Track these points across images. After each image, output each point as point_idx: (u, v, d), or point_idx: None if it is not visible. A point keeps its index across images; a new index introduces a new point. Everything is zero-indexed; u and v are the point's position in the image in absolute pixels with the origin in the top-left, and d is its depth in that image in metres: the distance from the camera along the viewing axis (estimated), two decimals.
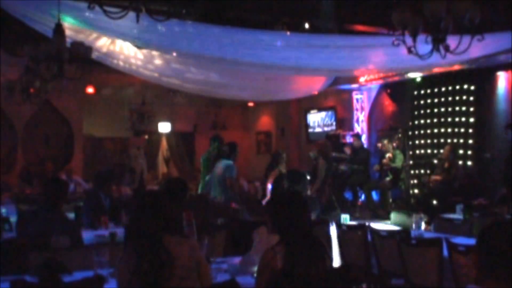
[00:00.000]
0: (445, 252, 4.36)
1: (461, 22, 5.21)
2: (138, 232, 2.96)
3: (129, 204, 6.50)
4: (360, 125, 13.16)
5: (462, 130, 10.35)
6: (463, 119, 10.36)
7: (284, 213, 3.05)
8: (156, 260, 2.84)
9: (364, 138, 12.77)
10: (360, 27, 8.39)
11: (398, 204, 10.66)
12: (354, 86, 12.73)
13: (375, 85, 12.62)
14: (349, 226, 5.74)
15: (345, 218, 5.95)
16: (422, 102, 11.23)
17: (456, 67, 9.56)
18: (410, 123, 11.43)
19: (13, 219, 6.33)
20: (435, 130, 10.89)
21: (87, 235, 5.19)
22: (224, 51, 8.02)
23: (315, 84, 11.69)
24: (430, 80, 10.89)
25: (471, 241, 4.22)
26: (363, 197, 11.55)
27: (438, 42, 5.34)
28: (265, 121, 16.40)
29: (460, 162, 9.83)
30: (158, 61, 9.17)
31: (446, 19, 5.20)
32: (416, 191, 11.02)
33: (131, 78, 11.39)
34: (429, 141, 11.04)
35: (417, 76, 11.03)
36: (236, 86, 10.92)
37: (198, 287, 3.00)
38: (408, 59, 6.18)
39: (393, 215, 9.78)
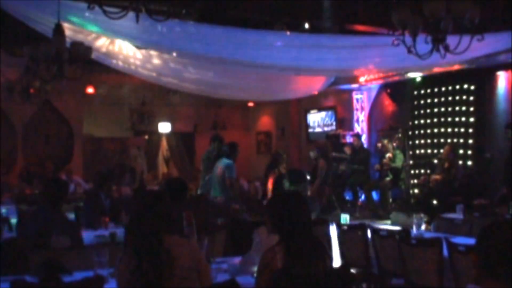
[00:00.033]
0: (445, 252, 4.36)
1: (461, 22, 5.22)
2: (138, 232, 2.96)
3: (129, 204, 6.49)
4: (360, 125, 13.15)
5: (462, 130, 10.36)
6: (463, 119, 10.36)
7: (284, 213, 3.05)
8: (156, 260, 2.84)
9: (364, 138, 12.76)
10: (360, 27, 8.39)
11: (398, 204, 10.65)
12: (354, 86, 12.73)
13: (375, 85, 12.62)
14: (349, 226, 5.73)
15: (345, 218, 5.94)
16: (422, 102, 11.23)
17: (456, 67, 9.56)
18: (410, 123, 11.42)
19: (13, 219, 6.35)
20: (435, 130, 10.88)
21: (87, 235, 5.19)
22: (224, 51, 8.02)
23: (315, 84, 11.68)
24: (430, 80, 10.89)
25: (471, 241, 4.20)
26: (363, 197, 11.54)
27: (438, 42, 5.34)
28: (265, 121, 16.39)
29: (460, 162, 9.81)
30: (156, 61, 9.17)
31: (446, 19, 5.21)
32: (416, 191, 11.01)
33: (131, 78, 11.41)
34: (429, 141, 11.03)
35: (417, 76, 11.04)
36: (236, 86, 10.90)
37: (198, 287, 3.00)
38: (408, 59, 6.17)
39: (393, 215, 9.80)
